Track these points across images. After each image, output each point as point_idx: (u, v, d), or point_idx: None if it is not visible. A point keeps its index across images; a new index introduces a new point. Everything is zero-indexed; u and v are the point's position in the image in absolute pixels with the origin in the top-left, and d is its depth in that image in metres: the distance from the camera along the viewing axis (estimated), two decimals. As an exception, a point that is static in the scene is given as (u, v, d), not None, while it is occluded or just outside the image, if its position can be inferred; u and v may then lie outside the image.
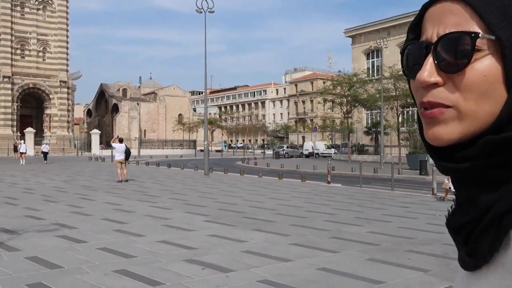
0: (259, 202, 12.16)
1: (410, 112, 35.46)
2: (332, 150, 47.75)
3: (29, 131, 54.08)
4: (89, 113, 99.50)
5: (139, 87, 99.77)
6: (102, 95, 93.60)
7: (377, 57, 42.86)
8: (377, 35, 41.50)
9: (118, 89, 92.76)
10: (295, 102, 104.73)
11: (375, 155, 39.59)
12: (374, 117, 41.00)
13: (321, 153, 47.24)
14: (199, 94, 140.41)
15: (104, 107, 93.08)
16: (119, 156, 18.52)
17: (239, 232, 7.83)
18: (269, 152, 66.67)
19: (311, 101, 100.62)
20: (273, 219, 9.21)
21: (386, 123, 34.37)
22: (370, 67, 43.48)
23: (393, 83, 33.57)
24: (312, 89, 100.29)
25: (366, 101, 36.86)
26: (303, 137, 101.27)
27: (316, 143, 47.00)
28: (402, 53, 0.58)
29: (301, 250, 6.51)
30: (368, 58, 43.99)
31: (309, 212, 10.24)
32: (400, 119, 34.88)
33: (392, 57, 37.15)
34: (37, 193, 13.73)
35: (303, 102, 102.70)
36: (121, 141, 19.18)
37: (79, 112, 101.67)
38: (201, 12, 22.19)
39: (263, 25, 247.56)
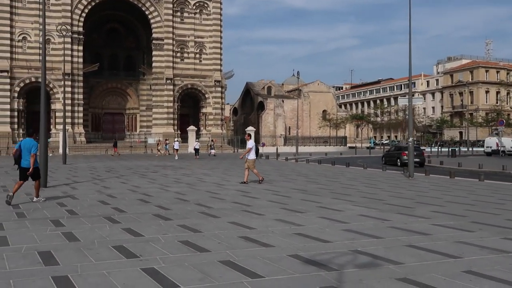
0: None
1: None
2: (523, 148, 40.35)
3: (191, 129, 56.55)
4: (235, 111, 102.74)
5: (282, 84, 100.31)
6: (247, 94, 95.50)
7: None
8: None
9: (263, 87, 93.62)
10: (450, 94, 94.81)
11: None
12: None
13: (507, 151, 40.27)
14: (339, 89, 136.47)
15: (249, 105, 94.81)
16: (253, 155, 16.38)
17: None
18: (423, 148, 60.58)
19: (471, 92, 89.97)
20: None
21: None
22: None
23: None
24: (471, 79, 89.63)
25: None
26: (460, 132, 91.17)
27: (503, 139, 40.25)
28: None
29: None
30: None
31: None
32: None
33: None
34: (262, 199, 12.07)
35: (460, 94, 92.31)
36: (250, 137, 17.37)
37: (225, 111, 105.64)
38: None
39: (398, 16, 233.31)
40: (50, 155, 36.53)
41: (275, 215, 9.41)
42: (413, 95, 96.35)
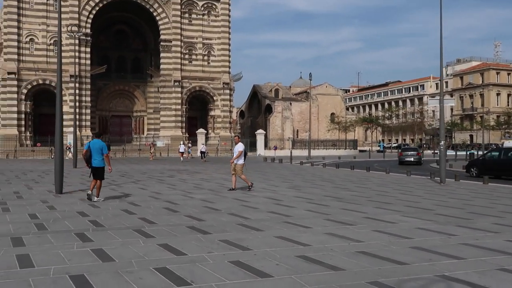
0: None
1: None
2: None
3: (201, 132, 55.65)
4: (241, 114, 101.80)
5: (290, 87, 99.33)
6: (254, 96, 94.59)
7: None
8: None
9: (270, 90, 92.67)
10: (460, 97, 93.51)
11: None
12: None
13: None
14: (346, 92, 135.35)
15: (256, 108, 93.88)
16: (242, 159, 14.88)
17: None
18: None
19: (481, 94, 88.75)
20: None
21: None
22: None
23: None
24: (482, 81, 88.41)
25: None
26: (471, 136, 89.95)
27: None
28: None
29: None
30: None
31: None
32: None
33: None
34: (298, 208, 11.09)
35: (471, 96, 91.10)
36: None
37: (232, 114, 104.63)
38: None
39: (402, 19, 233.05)
40: (66, 158, 35.54)
41: (323, 228, 8.46)
42: (414, 99, 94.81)
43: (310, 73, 46.17)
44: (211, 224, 8.75)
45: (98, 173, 11.89)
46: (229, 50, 64.95)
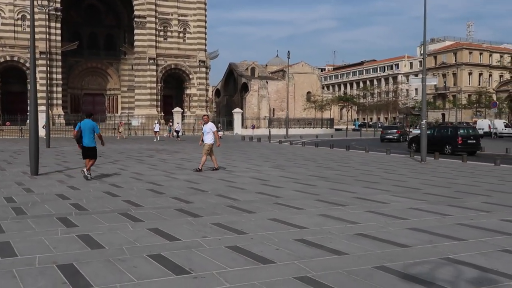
0: None
1: None
2: (514, 129, 40.21)
3: (177, 111, 54.75)
4: (217, 93, 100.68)
5: (266, 65, 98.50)
6: (230, 75, 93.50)
7: None
8: None
9: (246, 68, 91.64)
10: (433, 75, 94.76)
11: None
12: None
13: (499, 133, 40.11)
14: (322, 71, 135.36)
15: (232, 87, 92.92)
16: (211, 139, 14.40)
17: None
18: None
19: (454, 73, 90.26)
20: None
21: None
22: None
23: None
24: (455, 61, 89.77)
25: None
26: (443, 114, 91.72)
27: (495, 121, 40.03)
28: None
29: None
30: None
31: None
32: None
33: None
34: (286, 188, 10.89)
35: (444, 75, 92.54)
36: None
37: (208, 92, 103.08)
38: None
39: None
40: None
41: (315, 209, 8.28)
42: (388, 78, 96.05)
43: (288, 52, 45.71)
44: (200, 207, 8.45)
45: (91, 153, 12.07)
46: (205, 27, 63.70)
